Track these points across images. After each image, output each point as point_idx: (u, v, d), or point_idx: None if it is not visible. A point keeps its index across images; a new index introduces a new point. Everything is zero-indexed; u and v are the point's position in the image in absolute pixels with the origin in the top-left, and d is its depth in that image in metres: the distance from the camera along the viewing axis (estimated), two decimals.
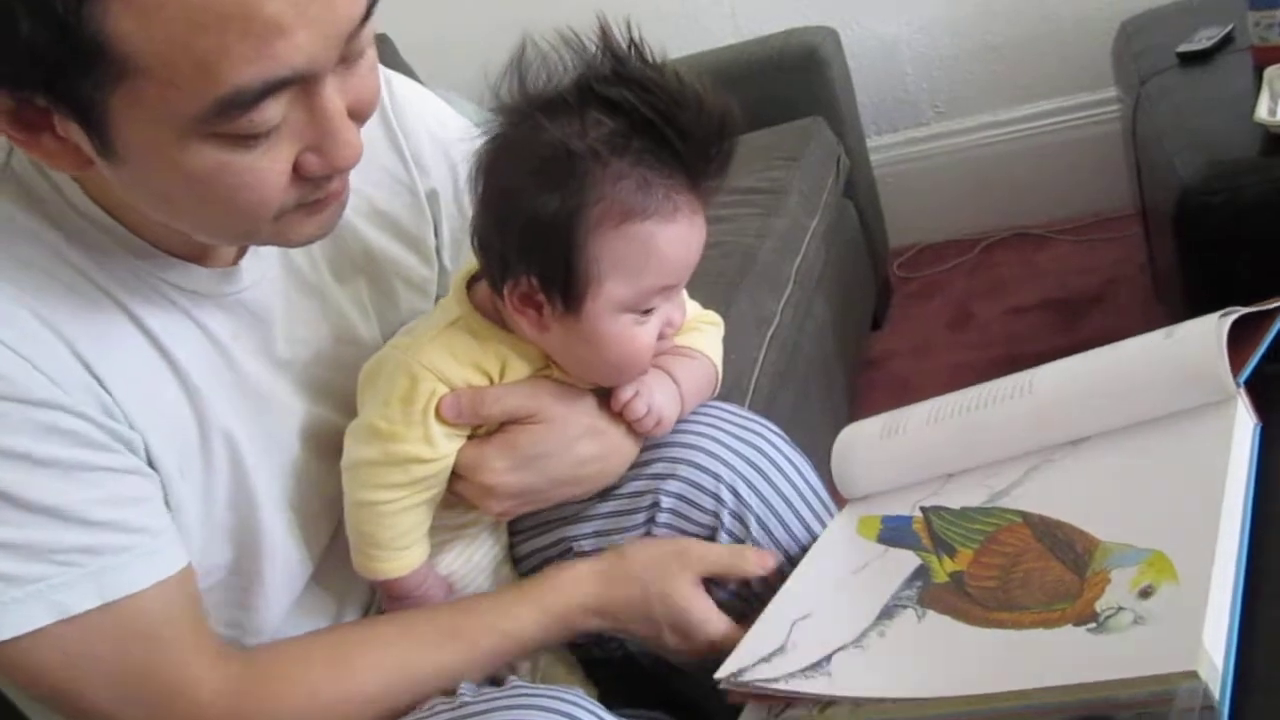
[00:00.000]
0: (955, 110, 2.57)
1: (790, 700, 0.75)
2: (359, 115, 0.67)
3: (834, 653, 0.76)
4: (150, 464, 0.73)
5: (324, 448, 0.84)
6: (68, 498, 0.68)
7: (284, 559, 0.82)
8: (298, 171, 0.66)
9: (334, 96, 0.64)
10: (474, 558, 0.91)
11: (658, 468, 0.89)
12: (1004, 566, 0.75)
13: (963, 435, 0.86)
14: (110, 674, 0.71)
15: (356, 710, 0.78)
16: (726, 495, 0.88)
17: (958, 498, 0.84)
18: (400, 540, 0.82)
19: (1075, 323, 2.18)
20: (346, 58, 0.64)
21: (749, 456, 0.90)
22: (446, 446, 0.81)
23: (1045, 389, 0.84)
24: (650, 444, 0.90)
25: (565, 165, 0.75)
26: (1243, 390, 0.74)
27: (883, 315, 2.39)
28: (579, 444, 0.85)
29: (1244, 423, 0.73)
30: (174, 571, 0.73)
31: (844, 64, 2.28)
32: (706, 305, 1.50)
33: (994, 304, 2.35)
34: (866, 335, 2.27)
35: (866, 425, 0.96)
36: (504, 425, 0.83)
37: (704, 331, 0.95)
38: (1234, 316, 0.76)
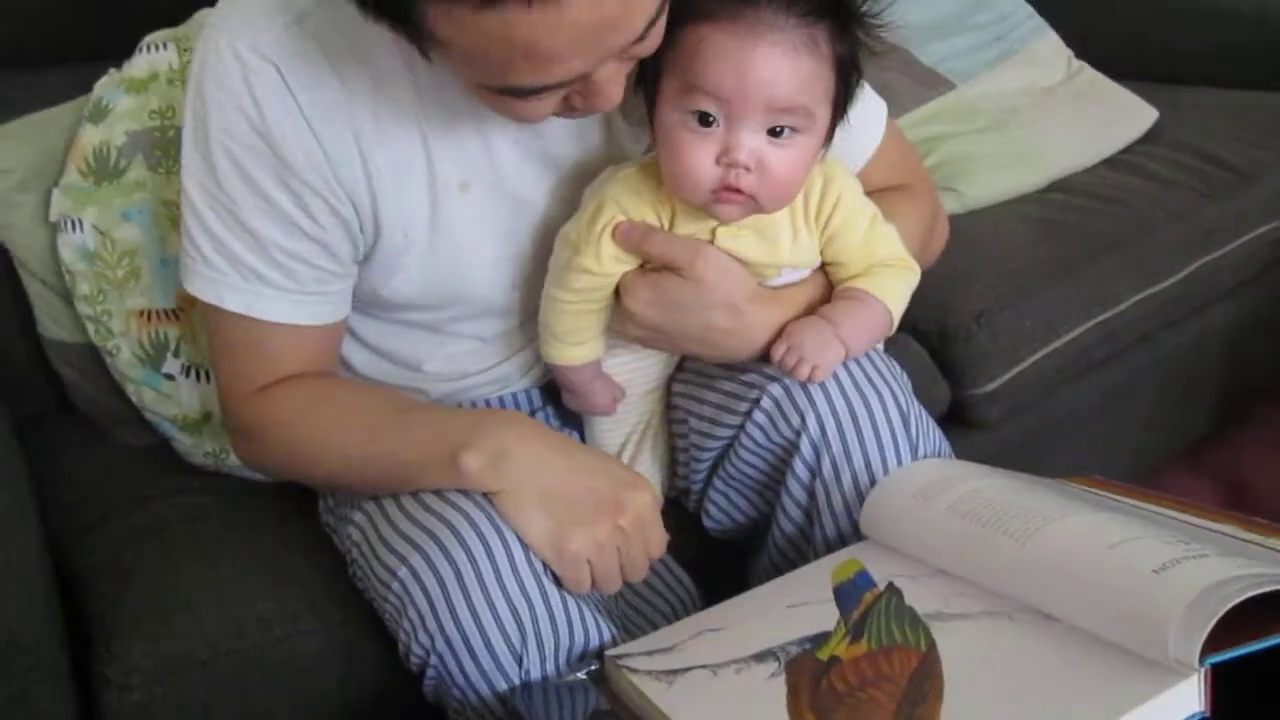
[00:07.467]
0: None
1: None
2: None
3: (692, 668, 0.76)
4: (376, 224, 0.90)
5: (543, 245, 0.96)
6: (269, 233, 0.88)
7: (481, 323, 1.00)
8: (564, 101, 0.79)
9: (603, 76, 0.75)
10: (639, 367, 1.01)
11: (771, 369, 0.92)
12: (859, 682, 0.70)
13: (962, 545, 0.79)
14: (221, 347, 0.96)
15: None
16: (812, 423, 0.90)
17: (918, 595, 0.77)
18: (572, 336, 0.96)
19: None
20: (626, 56, 0.75)
21: (851, 401, 0.90)
22: (612, 267, 0.92)
23: (1039, 549, 0.73)
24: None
25: None
26: (1204, 673, 0.59)
27: None
28: (714, 312, 0.90)
29: (1188, 704, 0.59)
30: (304, 323, 0.92)
31: None
32: (1055, 255, 1.34)
33: None
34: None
35: (919, 471, 0.89)
36: (663, 268, 0.91)
37: (880, 275, 0.93)
38: (1231, 601, 0.59)
